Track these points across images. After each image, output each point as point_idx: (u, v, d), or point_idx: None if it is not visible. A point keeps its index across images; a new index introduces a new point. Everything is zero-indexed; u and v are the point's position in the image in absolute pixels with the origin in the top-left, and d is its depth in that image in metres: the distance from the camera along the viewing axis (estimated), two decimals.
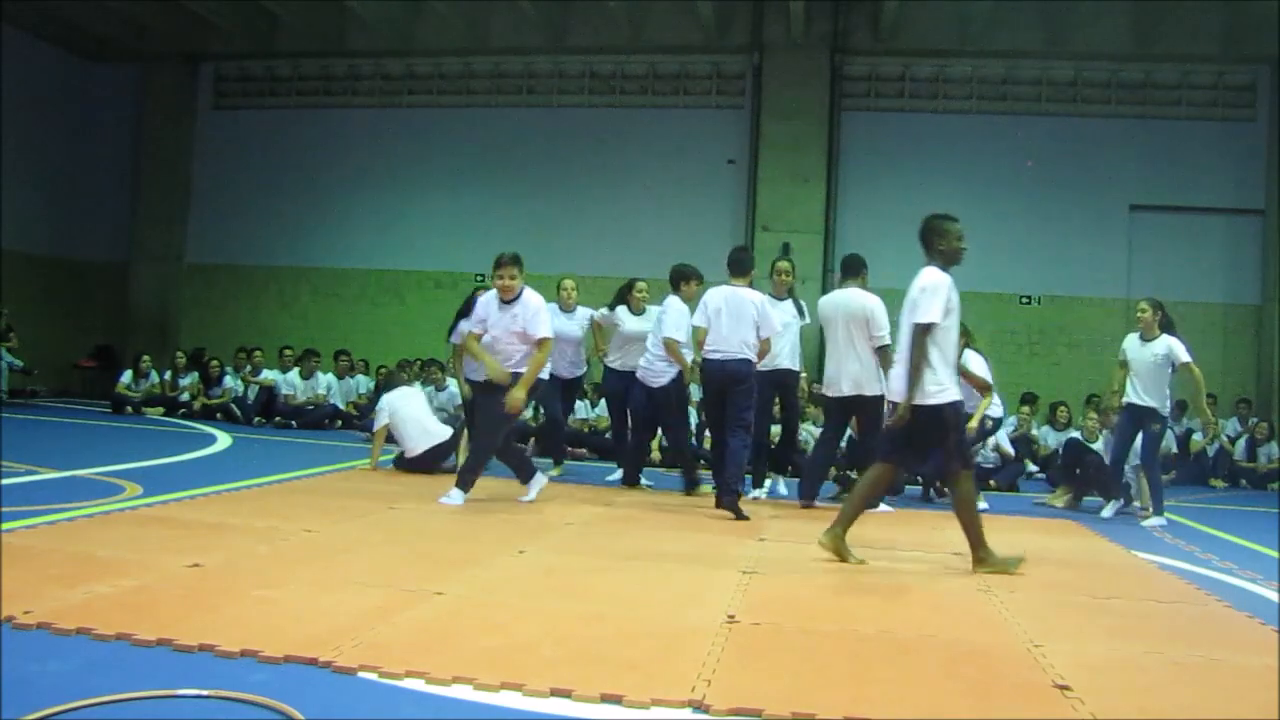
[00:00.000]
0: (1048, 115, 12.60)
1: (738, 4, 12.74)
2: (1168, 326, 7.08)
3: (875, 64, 12.89)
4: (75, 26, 13.87)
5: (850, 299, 6.65)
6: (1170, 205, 12.21)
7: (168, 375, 12.13)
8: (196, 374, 12.11)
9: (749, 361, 6.38)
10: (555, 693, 2.70)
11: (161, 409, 11.73)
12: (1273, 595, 4.64)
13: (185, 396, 11.86)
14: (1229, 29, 11.84)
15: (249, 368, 11.85)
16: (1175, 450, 10.69)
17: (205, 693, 2.54)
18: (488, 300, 6.17)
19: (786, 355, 7.06)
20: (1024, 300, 12.39)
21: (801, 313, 7.32)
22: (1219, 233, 12.27)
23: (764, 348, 6.54)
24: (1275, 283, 11.71)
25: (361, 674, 2.78)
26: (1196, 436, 10.80)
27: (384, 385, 9.82)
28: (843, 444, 7.63)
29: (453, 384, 9.53)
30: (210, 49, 14.27)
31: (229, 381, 11.90)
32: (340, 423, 11.51)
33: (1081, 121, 12.52)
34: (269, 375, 11.81)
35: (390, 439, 7.72)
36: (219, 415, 11.49)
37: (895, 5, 11.68)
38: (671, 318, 6.74)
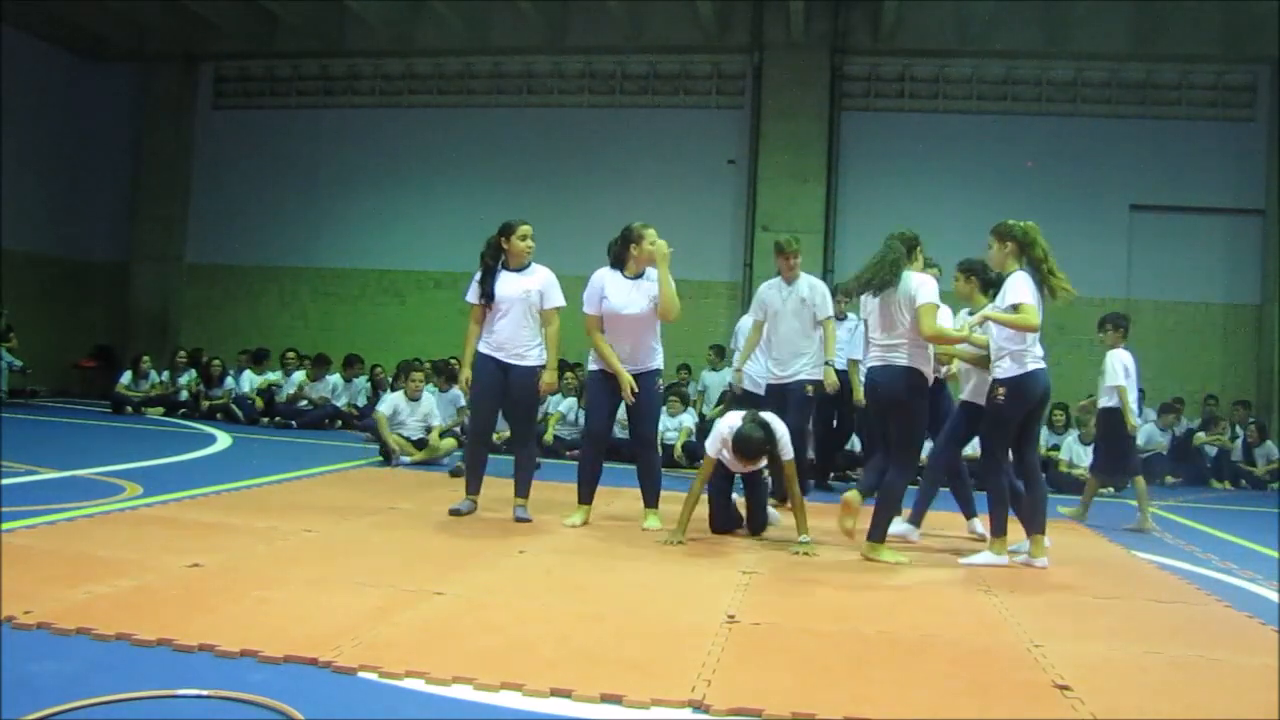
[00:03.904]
0: (1048, 115, 12.58)
1: (738, 4, 12.74)
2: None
3: (875, 64, 12.88)
4: (75, 26, 13.86)
5: None
6: (1170, 205, 12.20)
7: (166, 375, 12.15)
8: (194, 371, 12.15)
9: None
10: (555, 693, 2.70)
11: (162, 409, 11.75)
12: (1273, 595, 4.64)
13: (183, 395, 11.91)
14: (1229, 29, 11.83)
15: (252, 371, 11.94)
16: (1165, 451, 10.70)
17: (205, 693, 2.54)
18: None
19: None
20: None
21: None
22: (1219, 233, 12.26)
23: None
24: (1275, 283, 11.70)
25: (361, 674, 2.78)
26: (1201, 435, 10.79)
27: (389, 385, 10.65)
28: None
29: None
30: (210, 49, 14.26)
31: (229, 382, 11.93)
32: (340, 423, 11.50)
33: (1081, 121, 12.51)
34: (272, 376, 11.87)
35: None
36: (219, 415, 11.50)
37: (895, 5, 11.67)
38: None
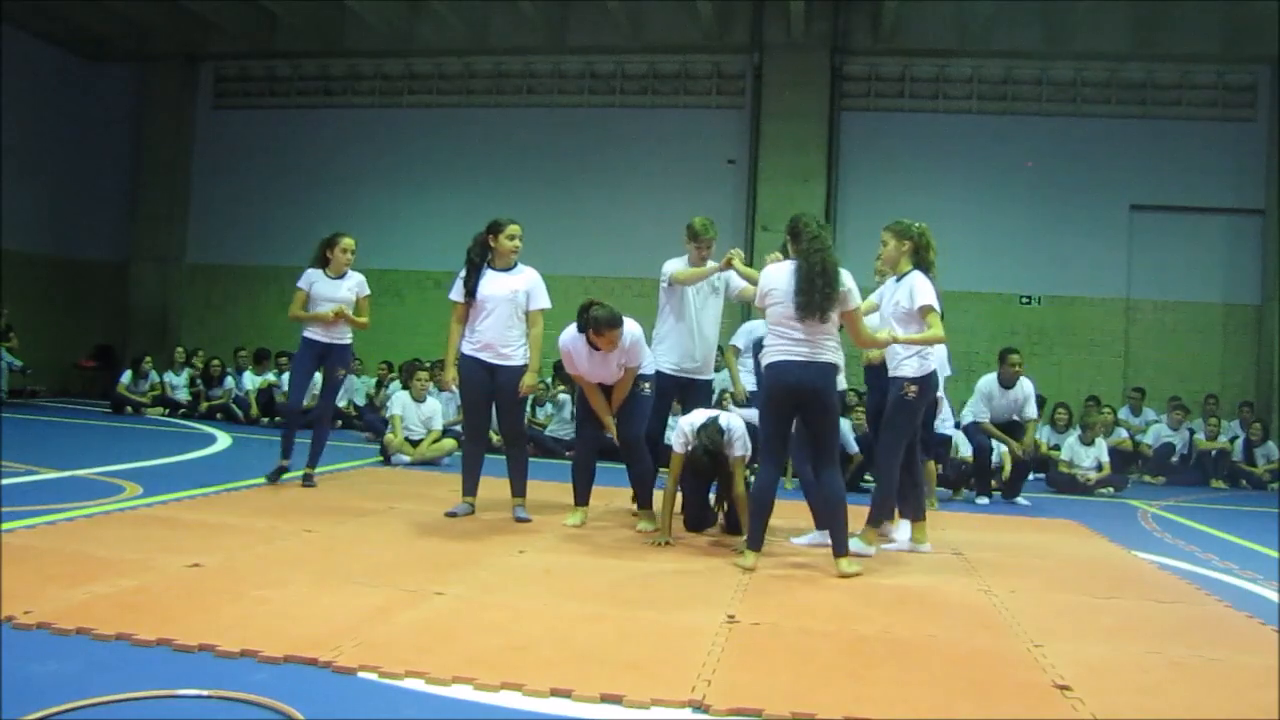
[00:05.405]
0: (1048, 115, 12.58)
1: (738, 4, 12.74)
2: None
3: (875, 64, 12.88)
4: (75, 26, 13.85)
5: None
6: (1170, 205, 12.20)
7: (183, 376, 12.19)
8: (188, 371, 12.17)
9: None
10: (555, 693, 2.70)
11: (163, 409, 11.75)
12: (1273, 595, 4.64)
13: (185, 395, 11.92)
14: (1229, 29, 11.83)
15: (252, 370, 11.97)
16: (1184, 450, 10.69)
17: (205, 693, 2.54)
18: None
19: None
20: (1024, 300, 12.39)
21: None
22: (1219, 233, 12.25)
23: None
24: (1275, 283, 11.69)
25: (361, 674, 2.78)
26: (1199, 437, 10.79)
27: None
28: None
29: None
30: (210, 49, 14.26)
31: (229, 381, 11.93)
32: (340, 422, 11.48)
33: (1081, 121, 12.51)
34: (273, 376, 11.87)
35: None
36: (219, 415, 11.50)
37: (895, 5, 11.67)
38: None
